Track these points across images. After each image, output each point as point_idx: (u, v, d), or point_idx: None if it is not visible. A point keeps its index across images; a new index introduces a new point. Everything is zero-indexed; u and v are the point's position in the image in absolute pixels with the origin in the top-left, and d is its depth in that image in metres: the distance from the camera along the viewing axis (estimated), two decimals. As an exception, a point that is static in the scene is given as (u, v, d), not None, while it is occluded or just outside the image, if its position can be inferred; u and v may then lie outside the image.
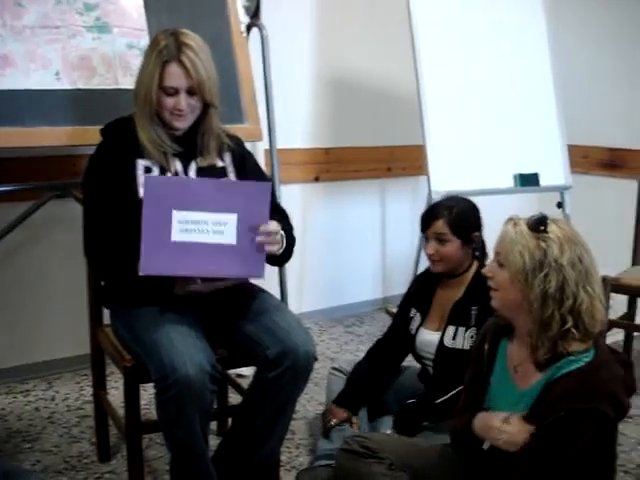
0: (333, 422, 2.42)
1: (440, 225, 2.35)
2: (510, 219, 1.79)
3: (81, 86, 2.58)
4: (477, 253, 2.43)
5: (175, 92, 2.12)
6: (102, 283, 2.36)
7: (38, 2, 2.54)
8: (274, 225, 2.07)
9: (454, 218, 2.34)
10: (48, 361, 3.28)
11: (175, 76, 2.10)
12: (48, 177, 2.93)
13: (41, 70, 2.51)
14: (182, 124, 2.18)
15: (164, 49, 2.10)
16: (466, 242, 2.36)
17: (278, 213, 2.27)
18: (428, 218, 2.40)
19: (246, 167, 2.33)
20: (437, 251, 2.36)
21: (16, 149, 2.67)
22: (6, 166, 2.91)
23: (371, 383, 2.50)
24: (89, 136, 2.26)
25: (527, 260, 1.70)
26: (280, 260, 2.23)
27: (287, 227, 2.22)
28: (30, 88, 2.49)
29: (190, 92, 2.13)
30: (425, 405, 2.34)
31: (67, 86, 2.55)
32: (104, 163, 2.16)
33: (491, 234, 2.07)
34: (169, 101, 2.12)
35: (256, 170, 2.37)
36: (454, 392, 2.25)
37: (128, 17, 2.71)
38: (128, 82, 2.55)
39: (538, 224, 1.73)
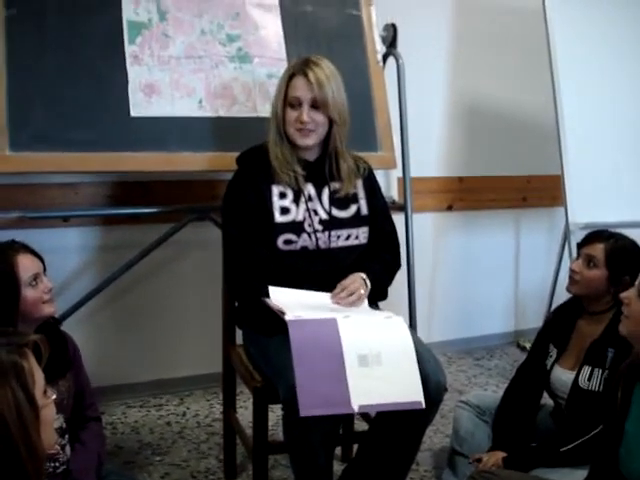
0: (494, 468, 2.31)
1: (597, 248, 2.25)
2: None
3: (222, 114, 2.68)
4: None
5: (298, 104, 2.17)
6: (236, 304, 2.42)
7: (183, 33, 2.67)
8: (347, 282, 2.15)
9: (614, 249, 2.24)
10: (181, 378, 3.39)
11: (298, 87, 2.17)
12: (188, 200, 3.04)
13: (186, 98, 2.63)
14: (306, 141, 2.21)
15: (292, 67, 2.21)
16: (613, 279, 2.24)
17: (383, 246, 2.34)
18: (590, 237, 2.31)
19: (375, 198, 2.36)
20: (581, 271, 2.27)
21: (160, 173, 2.80)
22: (150, 189, 3.06)
23: (519, 425, 2.39)
24: (229, 162, 2.34)
25: None
26: (377, 295, 2.27)
27: (376, 267, 2.26)
28: (174, 115, 2.61)
29: (314, 106, 2.17)
30: (548, 452, 2.23)
31: (209, 113, 2.66)
32: (241, 190, 2.23)
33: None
34: (292, 114, 2.18)
35: (383, 210, 2.40)
36: (579, 442, 2.14)
37: (268, 47, 2.80)
38: (267, 110, 2.63)
39: None
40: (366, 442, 2.21)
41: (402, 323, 2.08)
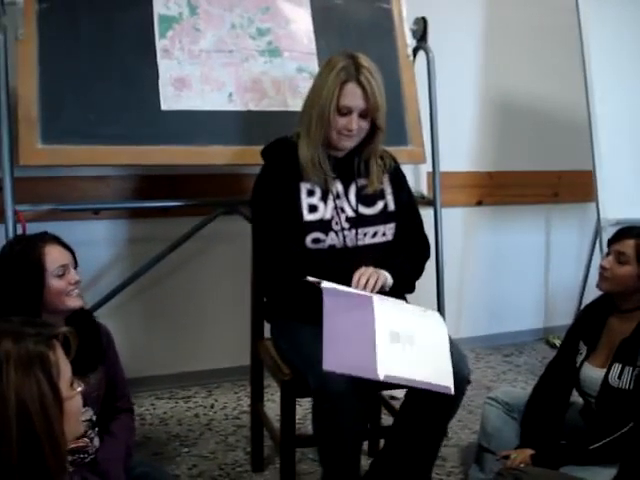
0: (522, 465, 2.30)
1: (627, 244, 2.23)
2: None
3: (252, 107, 2.68)
4: None
5: (348, 112, 2.14)
6: (265, 299, 2.43)
7: (214, 27, 2.68)
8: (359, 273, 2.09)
9: None
10: (209, 370, 3.41)
11: (353, 96, 2.13)
12: (217, 194, 3.06)
13: (215, 92, 2.64)
14: (348, 144, 2.20)
15: (342, 70, 2.13)
16: None
17: (410, 240, 2.31)
18: (620, 233, 2.29)
19: (402, 192, 2.36)
20: (612, 268, 2.25)
21: (190, 166, 2.81)
22: (180, 182, 3.08)
23: (548, 423, 2.38)
24: (258, 156, 2.34)
25: None
26: (403, 287, 2.25)
27: (397, 260, 2.22)
28: (204, 109, 2.62)
29: (362, 114, 2.16)
30: (577, 450, 2.21)
31: (239, 107, 2.66)
32: (270, 187, 2.22)
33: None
34: (341, 121, 2.15)
35: (410, 204, 2.38)
36: (608, 440, 2.12)
37: (298, 42, 2.80)
38: (297, 104, 2.63)
39: None
40: (391, 436, 2.21)
41: (438, 316, 2.08)
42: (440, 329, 2.02)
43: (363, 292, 2.03)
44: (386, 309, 1.98)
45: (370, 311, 1.94)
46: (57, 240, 1.87)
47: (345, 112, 2.14)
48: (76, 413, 1.23)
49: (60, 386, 1.16)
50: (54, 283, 1.80)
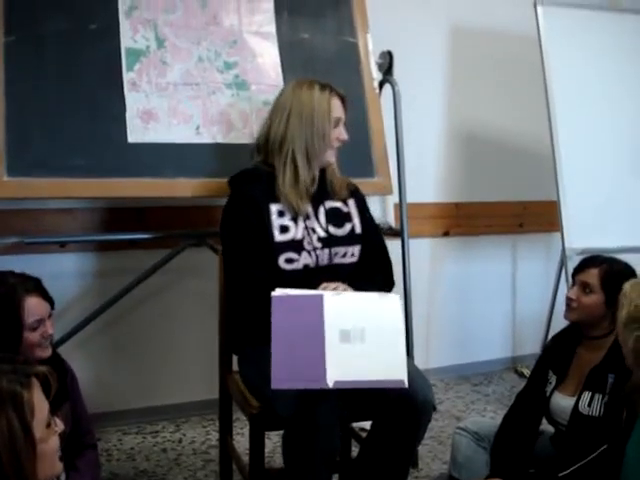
0: None
1: (591, 274, 2.26)
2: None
3: (219, 140, 2.69)
4: None
5: (337, 124, 2.29)
6: (232, 329, 2.41)
7: (181, 60, 2.69)
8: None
9: (609, 273, 2.25)
10: (177, 404, 3.37)
11: (339, 108, 2.30)
12: (185, 226, 3.05)
13: (182, 125, 2.65)
14: (334, 158, 2.33)
15: (323, 87, 2.29)
16: (611, 303, 2.24)
17: (376, 265, 2.35)
18: (583, 264, 2.32)
19: (367, 215, 2.42)
20: (578, 298, 2.27)
21: (157, 199, 2.80)
22: (147, 214, 3.07)
23: (517, 452, 2.38)
24: (226, 188, 2.35)
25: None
26: None
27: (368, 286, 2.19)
28: (172, 142, 2.62)
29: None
30: (547, 478, 2.22)
31: (206, 140, 2.67)
32: (240, 210, 2.25)
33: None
34: (335, 132, 2.28)
35: (374, 226, 2.45)
36: (576, 466, 2.13)
37: (265, 75, 2.82)
38: (263, 137, 2.64)
39: None
40: (359, 462, 2.20)
41: (396, 301, 2.03)
42: (394, 316, 1.99)
43: (315, 291, 2.02)
44: (338, 305, 1.96)
45: (320, 312, 1.93)
46: (38, 289, 1.87)
47: (336, 124, 2.28)
48: (52, 454, 1.20)
49: (33, 426, 1.13)
50: (28, 336, 1.82)
